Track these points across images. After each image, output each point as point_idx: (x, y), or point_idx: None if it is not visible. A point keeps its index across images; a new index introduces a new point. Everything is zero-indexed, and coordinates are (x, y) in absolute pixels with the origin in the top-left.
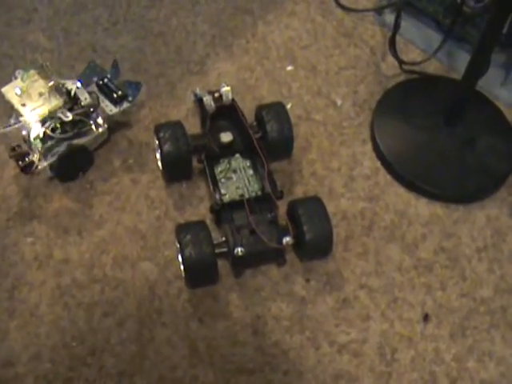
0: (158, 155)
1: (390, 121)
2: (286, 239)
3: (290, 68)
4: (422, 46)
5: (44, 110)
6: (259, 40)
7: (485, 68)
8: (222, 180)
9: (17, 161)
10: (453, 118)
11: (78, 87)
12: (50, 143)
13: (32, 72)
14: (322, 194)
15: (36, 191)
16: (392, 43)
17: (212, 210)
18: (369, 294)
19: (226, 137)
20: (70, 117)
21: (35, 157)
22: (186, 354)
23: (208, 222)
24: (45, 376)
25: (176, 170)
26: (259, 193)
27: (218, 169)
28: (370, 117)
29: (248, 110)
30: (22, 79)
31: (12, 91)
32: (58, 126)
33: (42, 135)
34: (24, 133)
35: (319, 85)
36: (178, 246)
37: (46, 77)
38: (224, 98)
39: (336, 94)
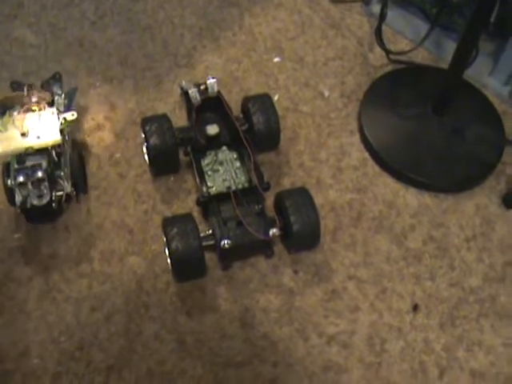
0: (144, 149)
1: (378, 111)
2: (273, 231)
3: (277, 60)
4: (409, 36)
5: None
6: (246, 32)
7: (472, 57)
8: (209, 172)
9: None
10: (441, 107)
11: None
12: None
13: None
14: (309, 186)
15: None
16: (378, 33)
17: (198, 202)
18: (357, 285)
19: (213, 129)
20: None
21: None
22: (174, 348)
23: (195, 214)
24: (33, 372)
25: (163, 164)
26: (246, 185)
27: (205, 161)
28: (358, 107)
29: (235, 102)
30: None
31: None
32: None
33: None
34: None
35: (306, 76)
36: (165, 239)
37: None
38: (210, 89)
39: (323, 85)
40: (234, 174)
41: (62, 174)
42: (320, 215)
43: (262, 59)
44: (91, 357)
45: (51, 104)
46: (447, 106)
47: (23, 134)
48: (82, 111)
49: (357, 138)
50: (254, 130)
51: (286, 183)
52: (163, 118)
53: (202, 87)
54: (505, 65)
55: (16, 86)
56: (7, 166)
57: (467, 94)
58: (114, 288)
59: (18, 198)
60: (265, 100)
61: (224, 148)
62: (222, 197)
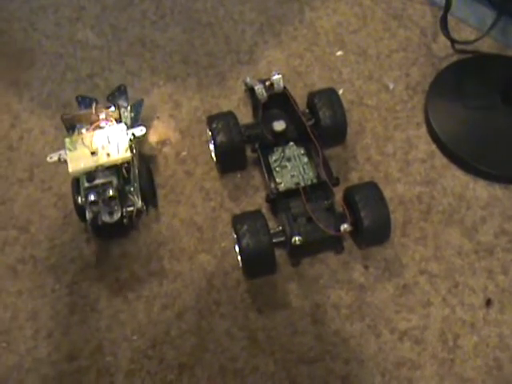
0: (211, 146)
1: (444, 102)
2: (344, 226)
3: (339, 53)
4: (474, 25)
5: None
6: (307, 26)
7: None
8: (277, 169)
9: None
10: (510, 96)
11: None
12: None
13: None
14: (377, 180)
15: None
16: (444, 22)
17: (268, 199)
18: (429, 279)
19: (279, 125)
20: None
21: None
22: (245, 345)
23: (264, 211)
24: (107, 369)
25: (230, 161)
26: (315, 180)
27: (273, 158)
28: (424, 99)
29: (299, 97)
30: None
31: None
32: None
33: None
34: None
35: (370, 69)
36: (235, 236)
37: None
38: (275, 86)
39: (388, 78)
40: (302, 169)
41: (132, 189)
42: (389, 209)
43: (325, 53)
44: (163, 354)
45: (119, 120)
46: None
47: (93, 153)
48: (147, 110)
49: (423, 130)
50: (320, 124)
51: (354, 178)
52: (229, 115)
53: (268, 83)
54: None
55: (81, 100)
56: (77, 182)
57: None
58: (184, 286)
59: (89, 215)
60: (330, 94)
61: (291, 144)
62: (291, 193)
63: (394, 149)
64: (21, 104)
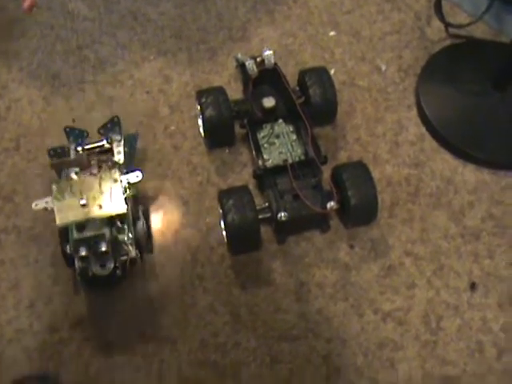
0: (199, 121)
1: (436, 86)
2: (331, 204)
3: (332, 33)
4: (468, 10)
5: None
6: (301, 5)
7: None
8: (265, 145)
9: None
10: (502, 82)
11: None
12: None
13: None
14: (366, 160)
15: None
16: (438, 6)
17: (255, 175)
18: (414, 261)
19: (269, 102)
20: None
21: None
22: (228, 320)
23: (251, 188)
24: (89, 341)
25: (218, 136)
26: (302, 158)
27: (261, 134)
28: (415, 82)
29: (291, 75)
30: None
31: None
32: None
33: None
34: None
35: (363, 50)
36: (221, 211)
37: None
38: (266, 61)
39: (380, 60)
40: (290, 146)
41: (126, 238)
42: (377, 190)
43: (318, 33)
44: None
45: (111, 154)
46: (509, 81)
47: (83, 205)
48: (137, 84)
49: (414, 112)
50: (310, 102)
51: (343, 157)
52: (219, 91)
53: (259, 59)
54: None
55: (69, 131)
56: (65, 229)
57: None
58: (168, 259)
59: (78, 266)
60: (322, 73)
61: (280, 121)
62: (279, 170)
63: (384, 130)
64: (9, 74)
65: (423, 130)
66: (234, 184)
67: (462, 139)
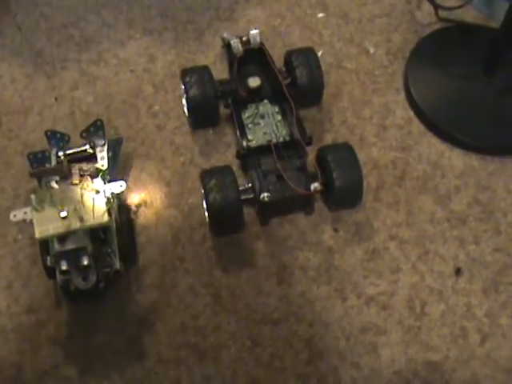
0: (183, 100)
1: (425, 69)
2: (314, 185)
3: (321, 15)
4: None
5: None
6: None
7: None
8: (249, 125)
9: None
10: (491, 67)
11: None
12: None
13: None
14: (352, 143)
15: None
16: None
17: (238, 155)
18: (399, 245)
19: (254, 82)
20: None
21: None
22: (208, 302)
23: (234, 169)
24: (67, 323)
25: (202, 116)
26: (287, 138)
27: (246, 114)
28: (404, 65)
29: (278, 56)
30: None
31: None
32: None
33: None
34: None
35: (351, 32)
36: (203, 191)
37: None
38: (252, 41)
39: (369, 42)
40: (275, 127)
41: (109, 250)
42: (363, 173)
43: (306, 14)
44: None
45: (94, 157)
46: (498, 66)
47: (63, 217)
48: (122, 63)
49: (402, 96)
50: (296, 83)
51: (328, 139)
52: (204, 70)
53: (245, 39)
54: None
55: (51, 135)
56: (45, 241)
57: None
58: (149, 240)
59: (60, 279)
60: (308, 54)
61: (265, 101)
62: (263, 150)
63: (371, 113)
64: None
65: (411, 113)
66: (217, 165)
67: (449, 123)
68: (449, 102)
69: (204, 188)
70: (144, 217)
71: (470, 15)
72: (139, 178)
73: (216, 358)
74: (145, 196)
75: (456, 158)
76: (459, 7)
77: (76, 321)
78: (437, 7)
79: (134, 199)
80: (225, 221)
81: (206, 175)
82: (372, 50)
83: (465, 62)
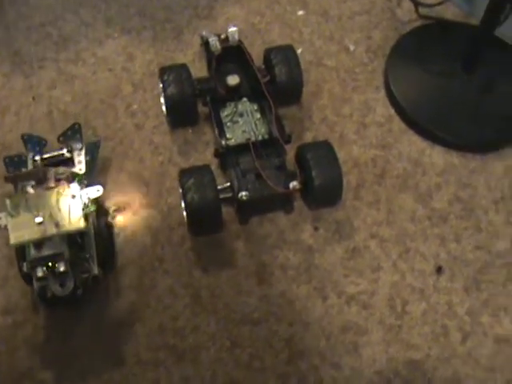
0: (162, 99)
1: (405, 67)
2: (293, 183)
3: (301, 13)
4: None
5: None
6: None
7: (506, 14)
8: (228, 124)
9: None
10: (470, 64)
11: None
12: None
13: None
14: (332, 141)
15: None
16: None
17: (216, 154)
18: (380, 243)
19: (233, 80)
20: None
21: None
22: (188, 303)
23: (213, 168)
24: (44, 325)
25: (180, 114)
26: (266, 137)
27: (224, 112)
28: (384, 63)
29: (258, 54)
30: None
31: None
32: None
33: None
34: None
35: (331, 30)
36: (181, 190)
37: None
38: (230, 38)
39: (349, 40)
40: (254, 125)
41: (87, 255)
42: (343, 171)
43: (286, 12)
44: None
45: (71, 162)
46: (477, 63)
47: (39, 223)
48: (100, 61)
49: (382, 93)
50: (275, 81)
51: (308, 138)
52: (182, 68)
53: (223, 36)
54: None
55: (27, 139)
56: (21, 246)
57: (499, 52)
58: (127, 241)
59: (36, 286)
60: (287, 51)
61: (244, 99)
62: (241, 149)
63: (351, 111)
64: None
65: (391, 111)
66: (196, 164)
67: (430, 121)
68: (429, 99)
69: (182, 187)
70: (123, 217)
71: (450, 12)
72: (118, 178)
73: (195, 358)
74: (123, 196)
75: (437, 156)
76: (439, 4)
77: (53, 324)
78: (417, 4)
79: (112, 200)
80: (203, 220)
81: (183, 174)
82: (352, 48)
83: (445, 59)
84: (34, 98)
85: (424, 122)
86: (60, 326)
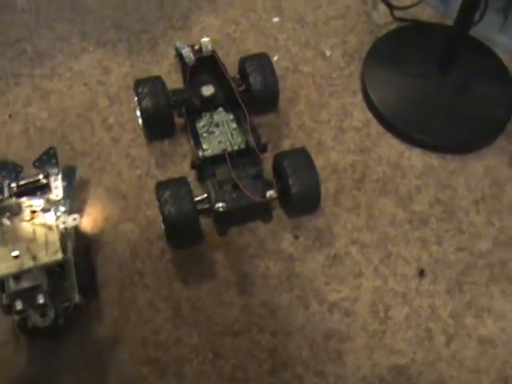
0: (138, 112)
1: (382, 70)
2: (270, 192)
3: (276, 20)
4: None
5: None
6: None
7: (481, 13)
8: (204, 135)
9: None
10: (446, 65)
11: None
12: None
13: None
14: (310, 147)
15: None
16: None
17: (193, 165)
18: (361, 249)
19: (208, 90)
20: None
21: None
22: (169, 316)
23: (191, 179)
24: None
25: (156, 127)
26: (243, 146)
27: (200, 123)
28: (361, 67)
29: (233, 63)
30: None
31: None
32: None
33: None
34: None
35: (307, 36)
36: (158, 203)
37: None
38: (204, 49)
39: (325, 45)
40: (230, 135)
41: (67, 284)
42: (321, 177)
43: (261, 19)
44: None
45: (48, 188)
46: (453, 63)
47: (16, 256)
48: (76, 76)
49: (359, 98)
50: (251, 90)
51: (286, 145)
52: (156, 80)
53: (197, 47)
54: None
55: (1, 166)
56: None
57: (475, 52)
58: (107, 256)
59: (16, 318)
60: (262, 59)
61: (220, 109)
62: (218, 159)
63: (329, 116)
64: None
65: (369, 115)
66: (173, 176)
67: (408, 123)
68: (406, 101)
69: (158, 200)
70: (101, 233)
71: (426, 13)
72: (96, 193)
73: (178, 372)
74: (102, 211)
75: (416, 158)
76: (412, 6)
77: (35, 345)
78: (391, 7)
79: (91, 216)
80: (181, 233)
81: (160, 187)
82: (328, 53)
83: (421, 60)
84: (10, 116)
85: (402, 124)
86: (42, 347)
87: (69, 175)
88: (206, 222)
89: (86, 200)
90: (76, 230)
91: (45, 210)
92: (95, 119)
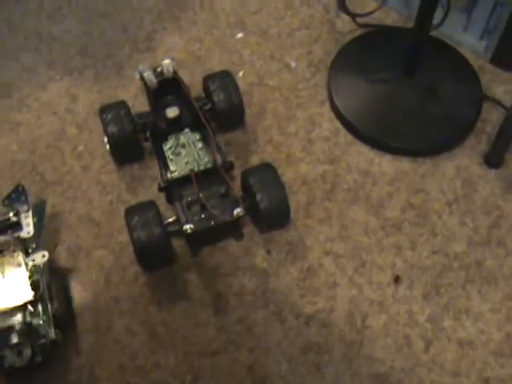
0: (105, 138)
1: (347, 78)
2: (237, 210)
3: (240, 35)
4: None
5: None
6: (207, 10)
7: (445, 13)
8: (171, 156)
9: None
10: (411, 68)
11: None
12: None
13: None
14: (279, 161)
15: None
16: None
17: (160, 188)
18: (334, 260)
19: (172, 112)
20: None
21: None
22: (145, 340)
23: (162, 201)
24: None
25: (124, 151)
26: (209, 165)
27: (167, 145)
28: (327, 76)
29: (198, 82)
30: None
31: None
32: None
33: None
34: None
35: (271, 49)
36: (128, 229)
37: None
38: (165, 71)
39: (290, 57)
40: (197, 155)
41: (41, 321)
42: (291, 190)
43: (225, 36)
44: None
45: (19, 226)
46: (418, 66)
47: None
48: (44, 106)
49: (327, 107)
50: (216, 108)
51: (255, 161)
52: (120, 105)
53: (159, 69)
54: (478, 19)
55: None
56: None
57: (440, 53)
58: (81, 284)
59: None
60: (224, 77)
61: (186, 130)
62: (185, 180)
63: (297, 128)
64: None
65: (337, 124)
66: (144, 199)
67: (376, 129)
68: (374, 108)
69: (128, 226)
70: (75, 261)
71: (390, 18)
72: (68, 221)
73: None
74: (75, 240)
75: (386, 164)
76: (372, 12)
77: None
78: (353, 15)
79: (65, 245)
80: (152, 256)
81: (128, 213)
82: (293, 65)
83: (387, 66)
84: None
85: (370, 131)
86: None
87: (38, 211)
88: (178, 243)
89: (58, 229)
90: (49, 263)
91: (14, 249)
92: (65, 148)
